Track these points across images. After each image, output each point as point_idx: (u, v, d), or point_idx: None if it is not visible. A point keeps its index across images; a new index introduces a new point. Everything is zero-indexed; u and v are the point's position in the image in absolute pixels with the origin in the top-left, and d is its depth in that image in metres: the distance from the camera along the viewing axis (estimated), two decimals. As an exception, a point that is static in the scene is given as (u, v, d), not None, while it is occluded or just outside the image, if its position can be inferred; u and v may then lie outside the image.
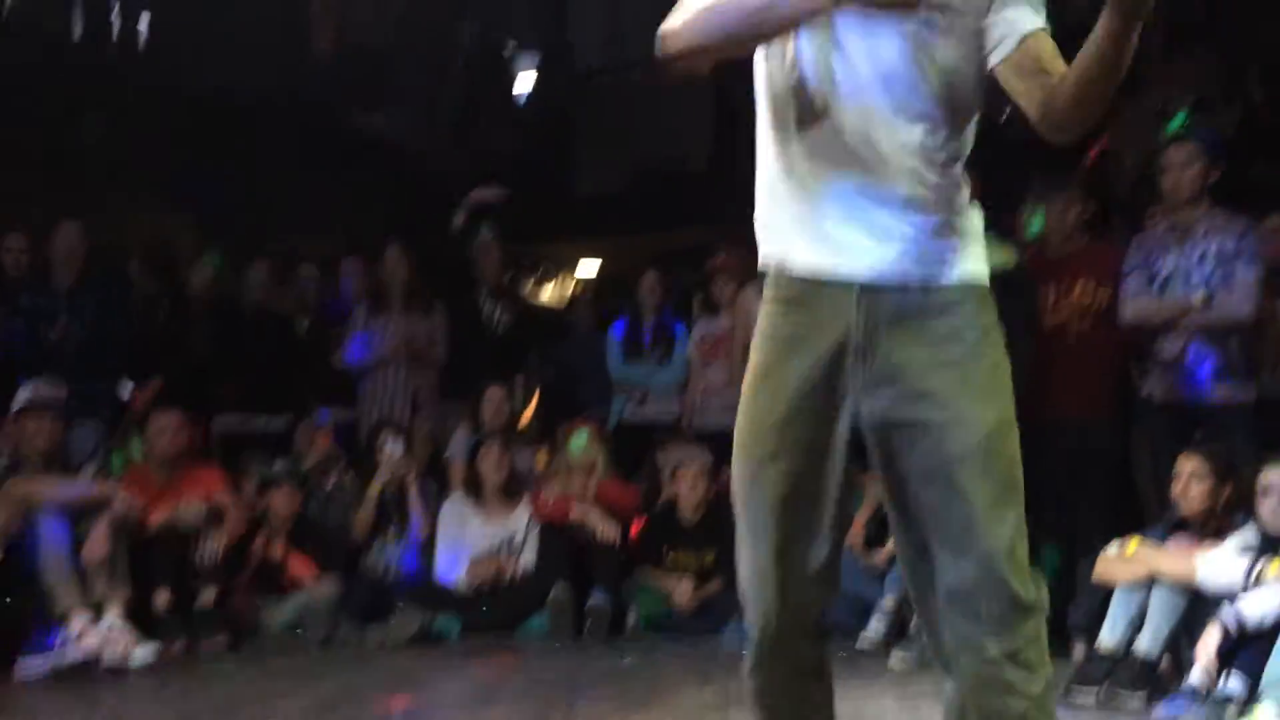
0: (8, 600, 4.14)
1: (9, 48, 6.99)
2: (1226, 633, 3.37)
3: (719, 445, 5.06)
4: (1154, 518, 4.03)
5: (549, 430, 5.53)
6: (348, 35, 8.20)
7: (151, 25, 7.57)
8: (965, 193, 1.81)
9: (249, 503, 4.90)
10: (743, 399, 1.83)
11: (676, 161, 8.76)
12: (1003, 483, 1.70)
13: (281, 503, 4.85)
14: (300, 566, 4.77)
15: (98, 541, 4.22)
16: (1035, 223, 4.62)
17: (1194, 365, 4.06)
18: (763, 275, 1.87)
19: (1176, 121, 6.06)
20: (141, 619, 4.26)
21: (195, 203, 6.94)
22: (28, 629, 4.07)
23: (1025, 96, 1.71)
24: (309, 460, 5.26)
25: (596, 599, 4.73)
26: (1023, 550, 1.70)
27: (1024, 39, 1.70)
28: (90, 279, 5.23)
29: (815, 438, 1.76)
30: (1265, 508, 3.57)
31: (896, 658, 4.11)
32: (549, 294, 9.11)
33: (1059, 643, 3.58)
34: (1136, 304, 4.17)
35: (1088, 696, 3.56)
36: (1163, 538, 3.80)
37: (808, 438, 1.76)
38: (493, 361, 5.59)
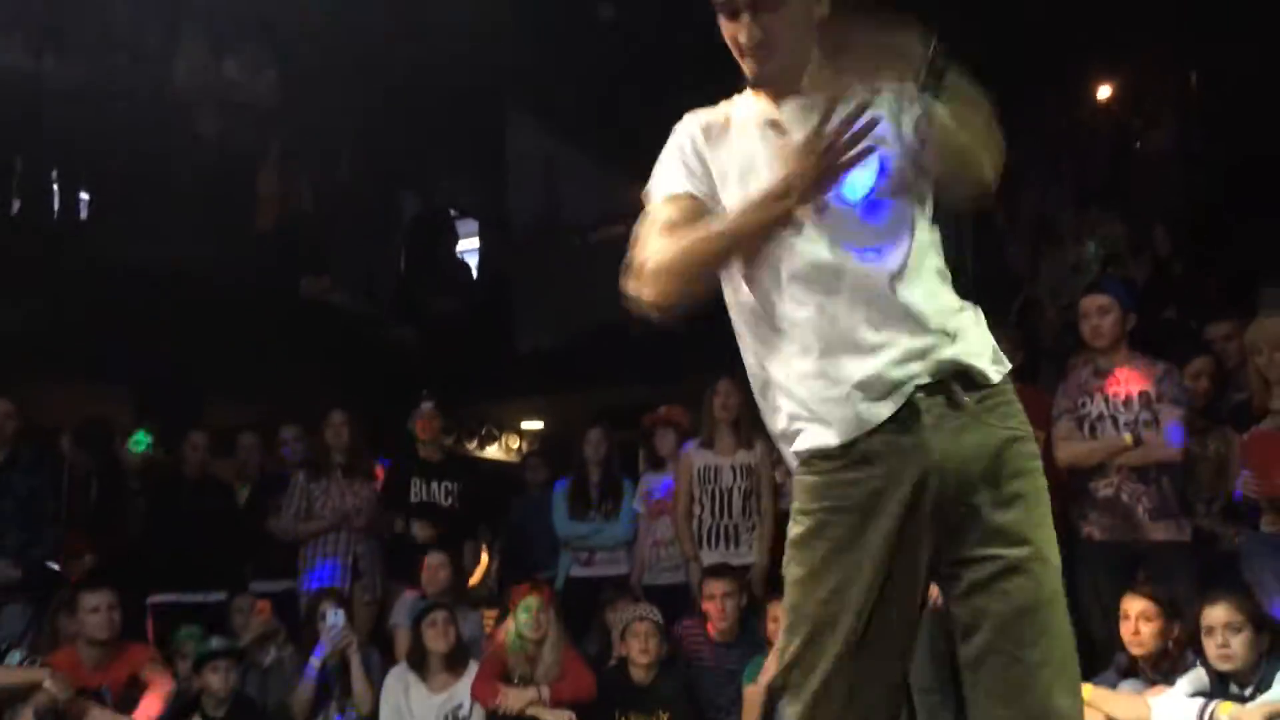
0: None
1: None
2: (1185, 776, 3.35)
3: (668, 602, 5.03)
4: (1103, 659, 4.03)
5: (500, 589, 5.42)
6: (290, 205, 8.34)
7: (91, 200, 7.64)
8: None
9: (185, 680, 4.72)
10: (808, 575, 1.80)
11: (617, 321, 8.90)
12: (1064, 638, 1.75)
13: (217, 681, 4.67)
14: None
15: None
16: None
17: (1129, 505, 4.14)
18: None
19: (1090, 274, 6.38)
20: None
21: (130, 375, 6.88)
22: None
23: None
24: (247, 634, 5.10)
25: (547, 768, 4.56)
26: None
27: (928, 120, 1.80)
28: (19, 456, 5.14)
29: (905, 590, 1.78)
30: (1210, 647, 3.60)
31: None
32: (494, 453, 9.10)
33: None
34: (1068, 446, 4.27)
35: None
36: (1114, 683, 3.80)
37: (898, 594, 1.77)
38: (439, 531, 5.52)
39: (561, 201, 9.89)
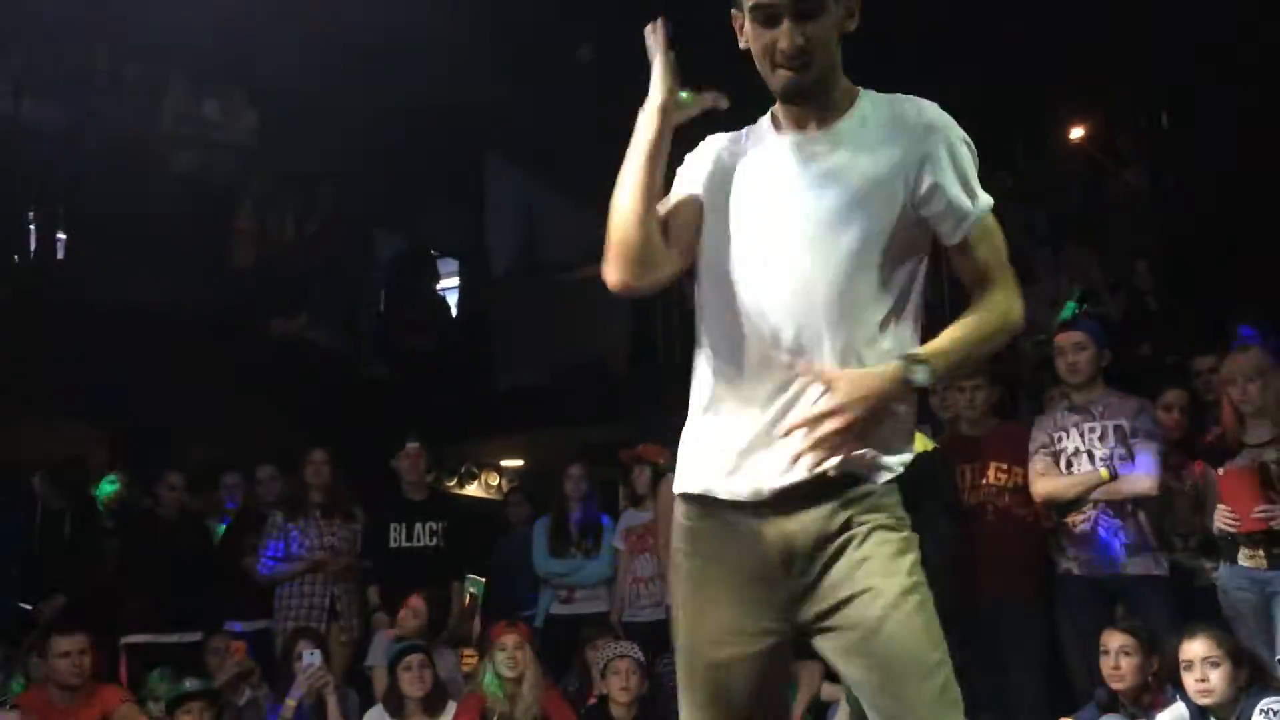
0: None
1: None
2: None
3: (649, 639, 5.00)
4: (1084, 693, 4.03)
5: (482, 628, 5.37)
6: (267, 246, 8.32)
7: (68, 240, 7.62)
8: None
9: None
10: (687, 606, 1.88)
11: (596, 359, 8.92)
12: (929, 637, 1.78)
13: (192, 724, 4.59)
14: (211, 793, 4.49)
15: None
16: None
17: (1106, 539, 4.16)
18: None
19: (1066, 310, 6.44)
20: None
21: (107, 415, 6.83)
22: None
23: None
24: (221, 675, 5.03)
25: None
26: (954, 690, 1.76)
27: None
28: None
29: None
30: (1189, 681, 3.60)
31: None
32: (475, 490, 9.06)
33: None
34: (1045, 482, 4.28)
35: None
36: (1095, 718, 3.79)
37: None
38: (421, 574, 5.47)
39: (541, 240, 9.92)
